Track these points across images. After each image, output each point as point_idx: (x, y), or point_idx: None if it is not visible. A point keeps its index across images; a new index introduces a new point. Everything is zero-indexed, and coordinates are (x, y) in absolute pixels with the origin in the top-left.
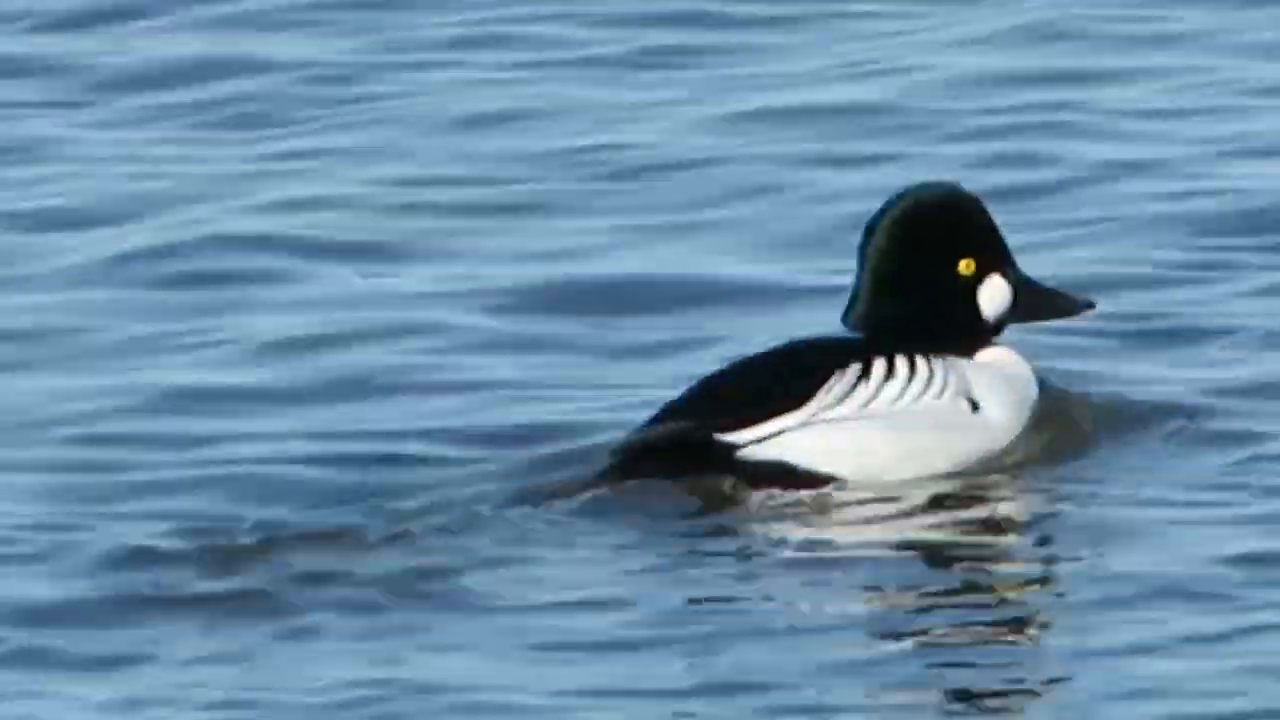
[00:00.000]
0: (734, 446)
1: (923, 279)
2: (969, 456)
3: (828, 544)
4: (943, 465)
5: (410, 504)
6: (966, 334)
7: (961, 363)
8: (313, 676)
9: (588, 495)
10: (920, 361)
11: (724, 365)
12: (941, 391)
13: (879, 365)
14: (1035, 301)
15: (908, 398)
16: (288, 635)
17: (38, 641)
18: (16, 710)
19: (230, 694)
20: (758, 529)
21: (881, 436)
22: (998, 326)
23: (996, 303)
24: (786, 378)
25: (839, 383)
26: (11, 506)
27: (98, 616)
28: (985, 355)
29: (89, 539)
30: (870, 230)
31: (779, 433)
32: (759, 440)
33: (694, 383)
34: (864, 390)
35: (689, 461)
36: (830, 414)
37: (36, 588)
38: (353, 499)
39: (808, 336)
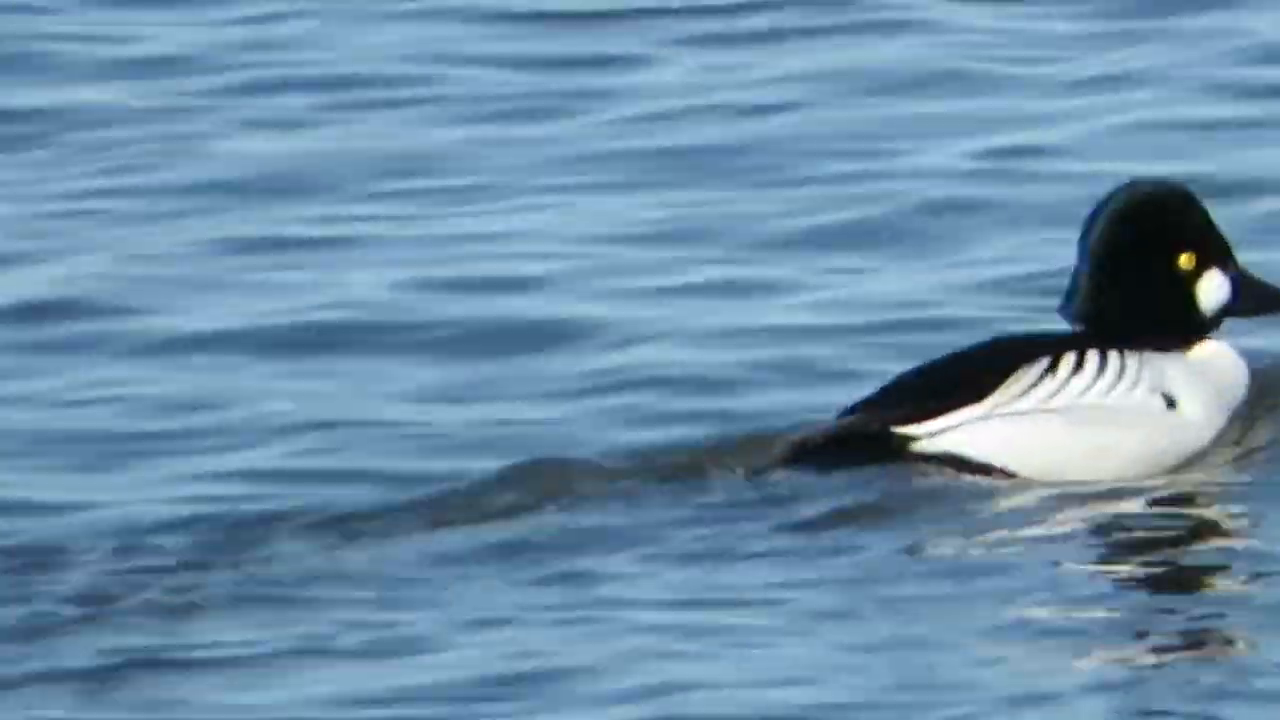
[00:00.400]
0: (911, 439)
1: (1142, 271)
2: (1162, 454)
3: (992, 542)
4: (1129, 462)
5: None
6: (1184, 327)
7: (1159, 358)
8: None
9: (765, 481)
10: (1113, 356)
11: (924, 363)
12: (1134, 386)
13: (1068, 360)
14: (1255, 295)
15: (1093, 393)
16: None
17: None
18: None
19: None
20: (924, 524)
21: (1060, 431)
22: (1216, 320)
23: (1215, 296)
24: (973, 372)
25: (1023, 377)
26: None
27: None
28: (1201, 350)
29: None
30: (1091, 222)
31: (957, 426)
32: (936, 433)
33: (889, 380)
34: (1048, 385)
35: (866, 453)
36: (1010, 408)
37: None
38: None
39: (1010, 333)
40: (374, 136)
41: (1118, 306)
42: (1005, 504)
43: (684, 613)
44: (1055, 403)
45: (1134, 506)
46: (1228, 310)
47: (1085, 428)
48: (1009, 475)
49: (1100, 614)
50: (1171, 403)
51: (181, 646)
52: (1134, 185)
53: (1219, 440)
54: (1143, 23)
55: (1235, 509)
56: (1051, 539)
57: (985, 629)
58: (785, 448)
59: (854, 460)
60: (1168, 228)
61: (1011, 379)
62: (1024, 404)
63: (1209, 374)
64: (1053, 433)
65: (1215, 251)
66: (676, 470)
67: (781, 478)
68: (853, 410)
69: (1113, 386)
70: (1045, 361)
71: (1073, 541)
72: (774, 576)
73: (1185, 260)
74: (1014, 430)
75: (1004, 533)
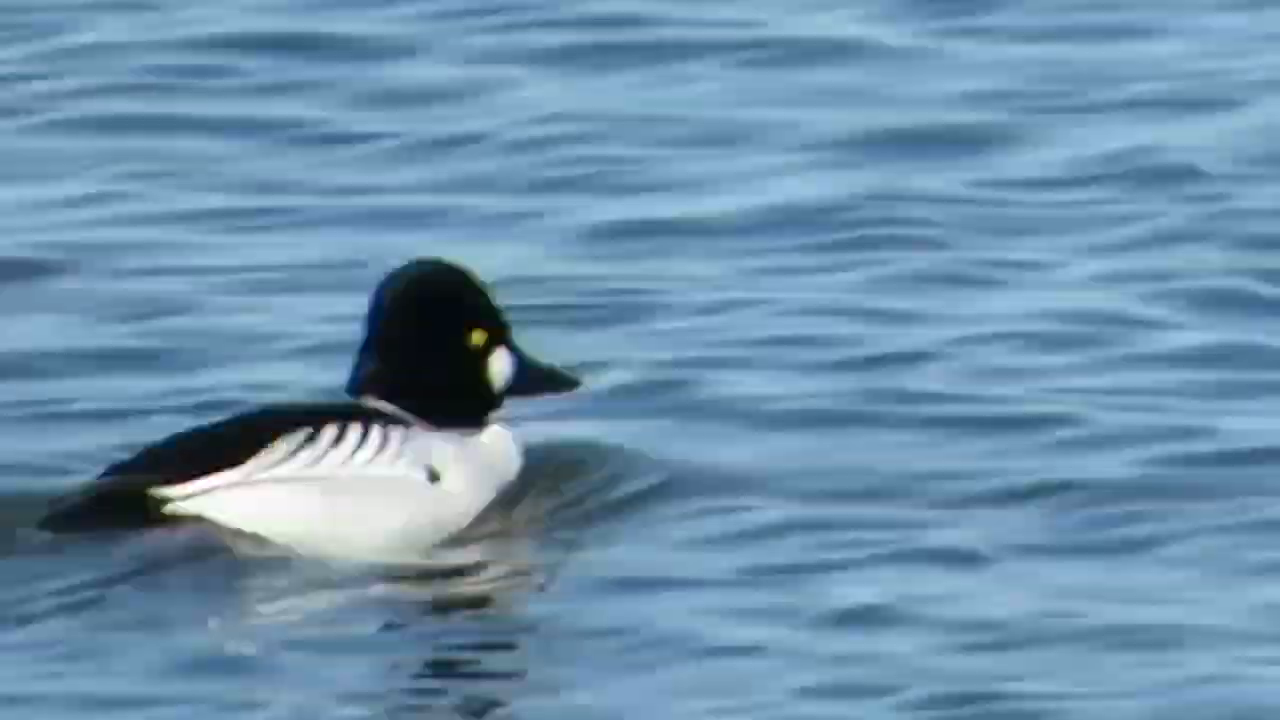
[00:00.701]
0: (166, 501)
1: (435, 348)
2: (420, 528)
3: (240, 608)
4: (386, 533)
5: None
6: (476, 404)
7: (426, 434)
8: None
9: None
10: (376, 429)
11: (190, 428)
12: (396, 459)
13: (329, 430)
14: (533, 376)
15: (354, 464)
16: None
17: None
18: None
19: None
20: (175, 589)
21: (315, 499)
22: (502, 397)
23: (502, 374)
24: (233, 438)
25: (283, 445)
26: None
27: None
28: (485, 432)
29: None
30: (377, 301)
31: (212, 489)
32: (191, 495)
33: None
34: (306, 453)
35: (123, 516)
36: (266, 474)
37: None
38: None
39: (277, 403)
40: None
41: (405, 381)
42: (252, 573)
43: None
44: (313, 471)
45: (383, 574)
46: (511, 389)
47: (340, 496)
48: (264, 541)
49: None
50: (435, 477)
51: None
52: (415, 266)
53: (483, 517)
54: None
55: (484, 585)
56: (283, 610)
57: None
58: (44, 511)
59: (113, 522)
60: (459, 307)
61: (271, 446)
62: (281, 471)
63: (478, 450)
64: (306, 500)
65: (502, 330)
66: None
67: (39, 541)
68: (108, 472)
69: (373, 458)
70: (306, 431)
71: (314, 610)
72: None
73: (477, 338)
74: (268, 496)
75: (249, 603)
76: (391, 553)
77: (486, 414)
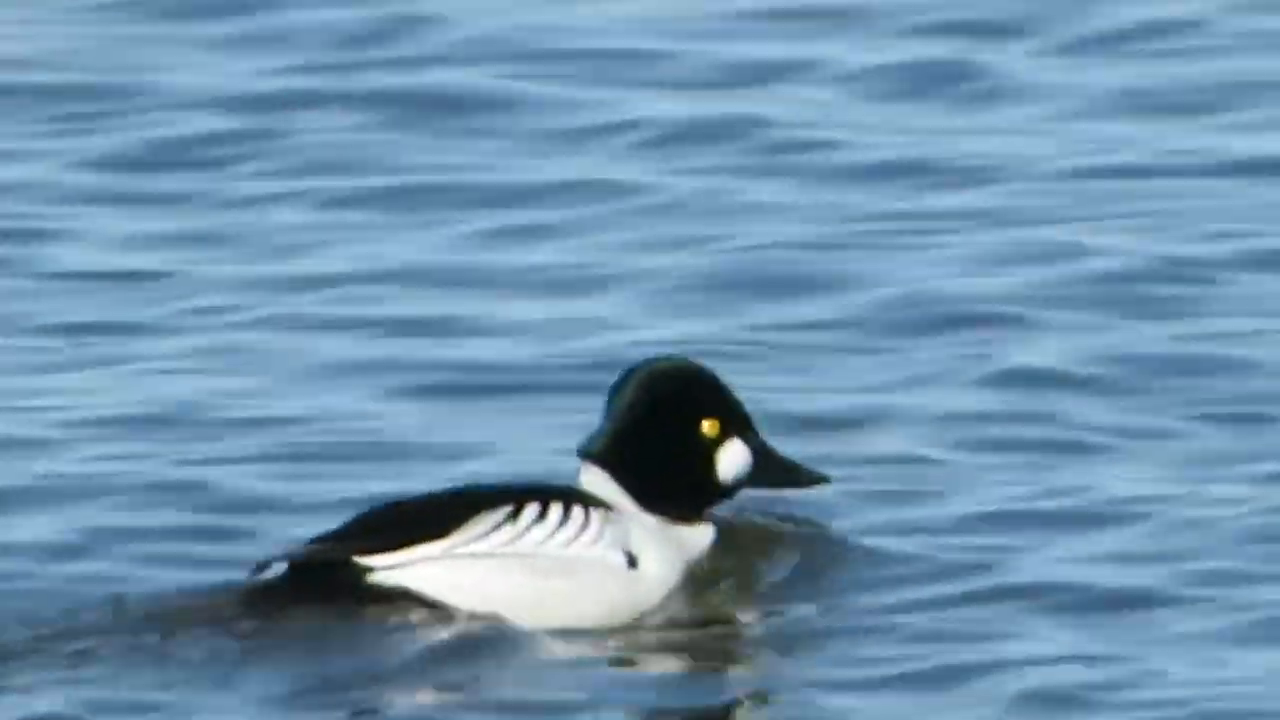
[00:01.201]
0: (369, 570)
1: (664, 438)
2: (616, 608)
3: (444, 681)
4: (579, 612)
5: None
6: (699, 494)
7: (623, 516)
8: None
9: (225, 613)
10: (577, 509)
11: (394, 500)
12: (595, 541)
13: (531, 508)
14: (772, 469)
15: (552, 543)
16: None
17: None
18: None
19: None
20: (376, 656)
21: (512, 577)
22: (733, 489)
23: (735, 467)
24: (437, 512)
25: (485, 521)
26: None
27: None
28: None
29: None
30: (617, 387)
31: (415, 561)
32: (394, 566)
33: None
34: (508, 531)
35: (325, 584)
36: (468, 549)
37: None
38: None
39: (480, 482)
40: None
41: (635, 459)
42: (450, 646)
43: None
44: (514, 549)
45: (579, 653)
46: (746, 481)
47: (540, 575)
48: (462, 615)
49: None
50: (634, 561)
51: None
52: (661, 359)
53: (673, 597)
54: None
55: (675, 664)
56: (485, 680)
57: None
58: (252, 577)
59: (315, 590)
60: (694, 398)
61: (473, 521)
62: (482, 546)
63: (673, 533)
64: (506, 576)
65: (738, 422)
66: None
67: (240, 606)
68: (316, 539)
69: (574, 539)
70: (509, 508)
71: (508, 685)
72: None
73: (709, 428)
74: (468, 571)
75: (444, 670)
76: (587, 631)
77: (707, 505)
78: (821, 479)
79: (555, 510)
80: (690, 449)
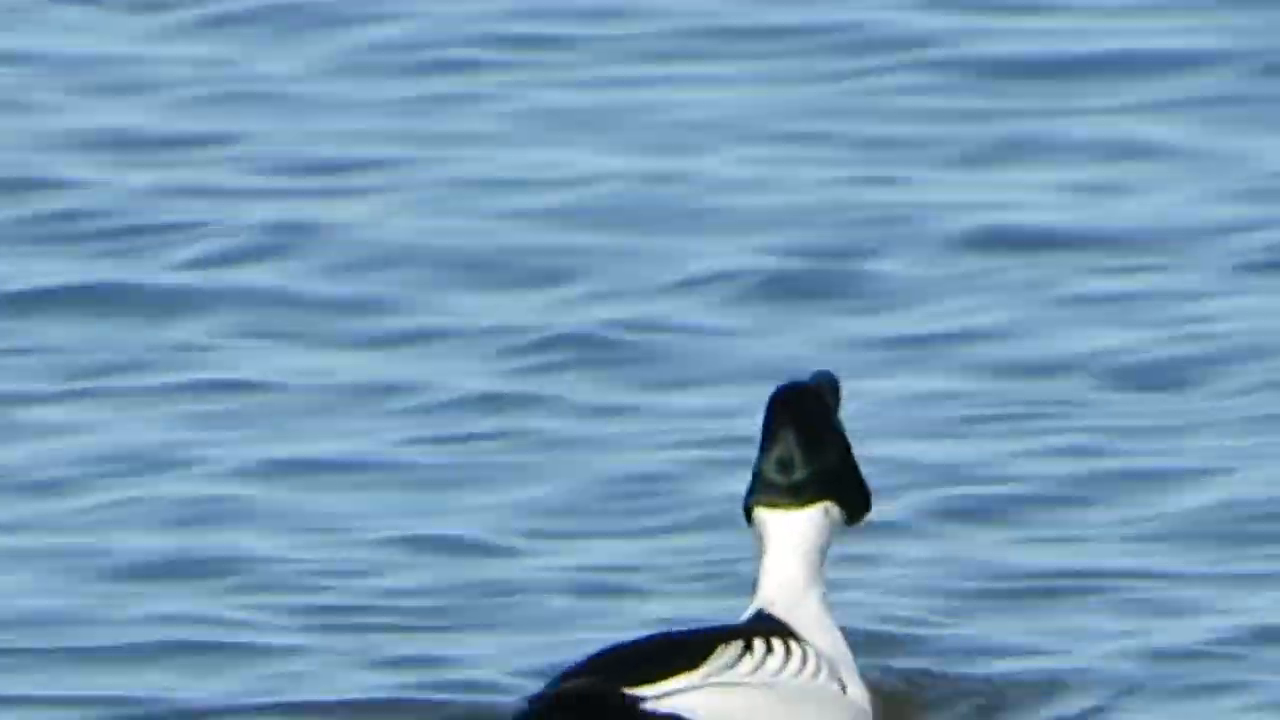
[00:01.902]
0: (640, 700)
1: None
2: None
3: None
4: None
5: None
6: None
7: (825, 650)
8: None
9: None
10: (793, 644)
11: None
12: (817, 672)
13: (759, 643)
14: None
15: (788, 672)
16: None
17: None
18: None
19: None
20: None
21: (767, 702)
22: None
23: None
24: (680, 646)
25: (726, 652)
26: None
27: None
28: (837, 635)
29: None
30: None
31: (680, 691)
32: (661, 696)
33: (592, 653)
34: (748, 661)
35: (599, 714)
36: (721, 677)
37: None
38: None
39: (693, 627)
40: None
41: (840, 477)
42: None
43: None
44: (758, 677)
45: None
46: None
47: (786, 703)
48: None
49: None
50: (843, 687)
51: None
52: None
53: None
54: None
55: None
56: None
57: None
58: (521, 707)
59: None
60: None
61: (717, 653)
62: (731, 675)
63: (847, 656)
64: (760, 702)
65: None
66: None
67: None
68: (569, 674)
69: (800, 670)
70: (740, 643)
71: None
72: None
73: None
74: (728, 697)
75: None
76: None
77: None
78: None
79: (777, 645)
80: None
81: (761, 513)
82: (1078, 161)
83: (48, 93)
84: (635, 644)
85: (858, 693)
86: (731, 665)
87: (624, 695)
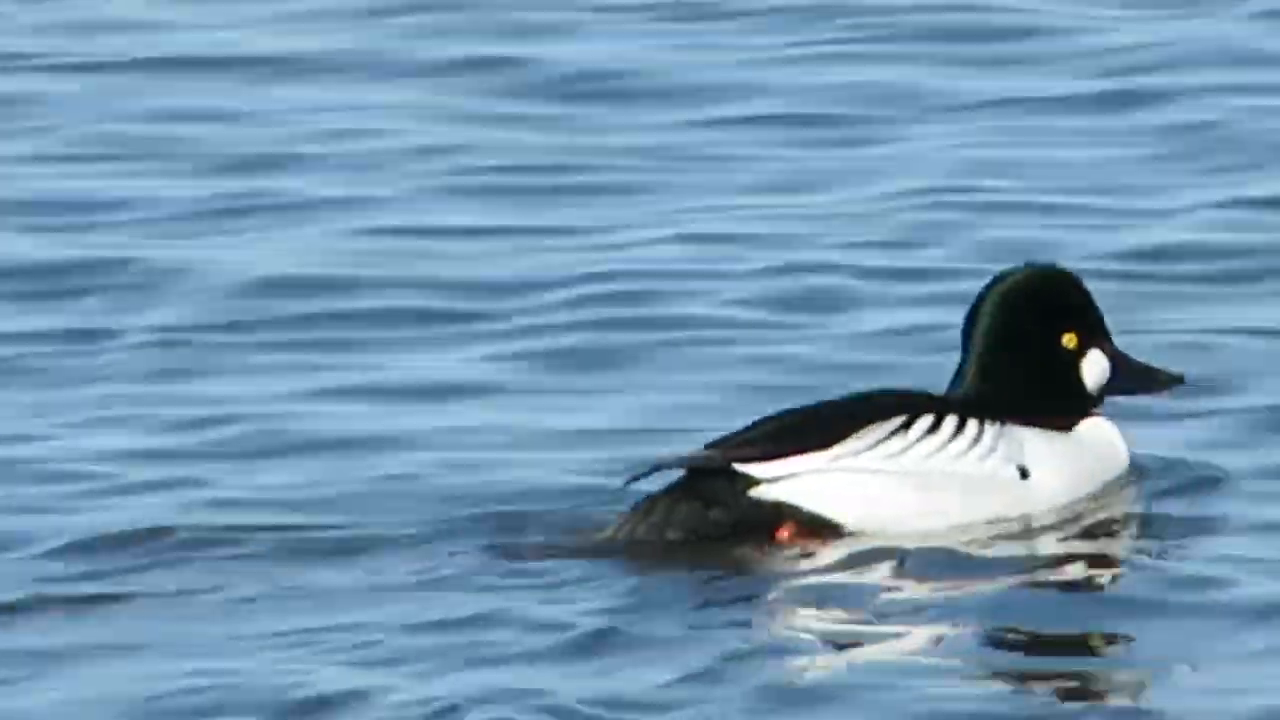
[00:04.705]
0: (750, 478)
1: (1029, 351)
2: (1007, 522)
3: (815, 590)
4: (970, 528)
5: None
6: (1069, 404)
7: (1017, 429)
8: None
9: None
10: (972, 423)
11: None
12: (987, 456)
13: (923, 421)
14: (1130, 375)
15: (942, 458)
16: None
17: None
18: None
19: None
20: (756, 567)
21: (897, 490)
22: (1099, 397)
23: (1097, 375)
24: (827, 421)
25: (873, 433)
26: None
27: None
28: (1083, 425)
29: None
30: (975, 307)
31: (797, 472)
32: (779, 476)
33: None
34: (896, 443)
35: (707, 489)
36: (852, 461)
37: None
38: None
39: (884, 388)
40: None
41: (1003, 387)
42: (833, 552)
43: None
44: (902, 462)
45: (953, 559)
46: (1109, 388)
47: (928, 489)
48: (844, 527)
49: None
50: (1025, 474)
51: None
52: (1015, 270)
53: (1076, 511)
54: None
55: (1063, 581)
56: (863, 589)
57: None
58: (645, 466)
59: (697, 496)
60: (1051, 310)
61: (863, 432)
62: (869, 459)
63: (1073, 446)
64: (886, 491)
65: (1096, 332)
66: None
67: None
68: (710, 444)
69: (965, 453)
70: (901, 419)
71: (876, 594)
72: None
73: (1069, 340)
74: (847, 483)
75: (824, 578)
76: (975, 545)
77: (1078, 415)
78: (1177, 379)
79: (949, 423)
80: (1055, 364)
81: None
82: None
83: None
84: (799, 412)
85: (1048, 482)
86: (873, 447)
87: (735, 472)
